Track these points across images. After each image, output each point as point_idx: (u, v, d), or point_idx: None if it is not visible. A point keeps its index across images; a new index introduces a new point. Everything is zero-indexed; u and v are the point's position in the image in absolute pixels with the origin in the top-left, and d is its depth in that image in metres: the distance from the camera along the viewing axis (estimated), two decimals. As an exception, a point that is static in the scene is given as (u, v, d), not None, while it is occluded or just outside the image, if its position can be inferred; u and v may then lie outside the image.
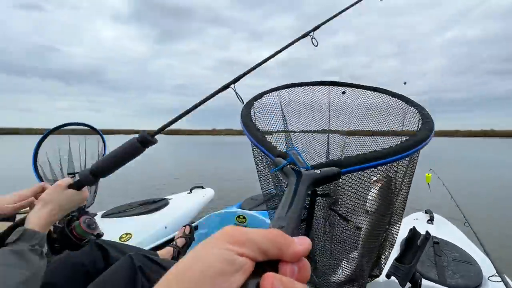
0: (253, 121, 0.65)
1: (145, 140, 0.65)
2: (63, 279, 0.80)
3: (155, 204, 2.18)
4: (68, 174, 2.21)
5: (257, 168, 0.72)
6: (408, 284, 0.73)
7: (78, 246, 0.74)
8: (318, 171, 0.38)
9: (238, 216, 1.67)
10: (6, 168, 8.11)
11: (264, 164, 0.68)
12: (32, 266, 0.55)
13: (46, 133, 2.11)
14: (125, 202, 2.35)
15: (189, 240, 1.49)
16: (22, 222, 0.63)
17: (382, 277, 0.74)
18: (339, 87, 0.84)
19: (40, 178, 2.01)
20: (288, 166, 0.39)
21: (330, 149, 0.92)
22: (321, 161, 0.82)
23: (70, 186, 0.66)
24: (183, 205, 2.26)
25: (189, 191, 2.58)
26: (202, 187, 2.70)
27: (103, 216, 1.97)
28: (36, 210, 0.63)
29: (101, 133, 2.25)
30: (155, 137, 0.69)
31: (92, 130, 2.23)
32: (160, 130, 0.69)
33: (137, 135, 0.66)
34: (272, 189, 0.73)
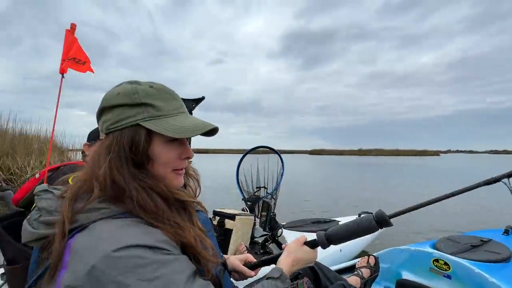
0: None
1: (382, 220, 0.65)
2: None
3: (326, 224, 2.24)
4: (256, 187, 2.74)
5: None
6: None
7: None
8: None
9: (436, 260, 1.30)
10: (210, 176, 11.30)
11: None
12: None
13: (244, 155, 2.75)
14: (294, 215, 2.57)
15: (375, 272, 1.35)
16: (273, 260, 0.76)
17: None
18: None
19: (241, 189, 2.62)
20: None
21: None
22: None
23: (305, 243, 0.73)
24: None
25: (358, 215, 2.48)
26: (372, 213, 2.51)
27: (285, 227, 2.24)
28: (283, 257, 0.71)
29: (280, 155, 2.66)
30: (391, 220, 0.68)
31: (273, 152, 2.69)
32: (398, 214, 0.67)
33: (373, 213, 0.66)
34: None
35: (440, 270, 1.33)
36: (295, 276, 0.84)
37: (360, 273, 1.31)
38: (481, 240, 1.50)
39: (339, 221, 2.35)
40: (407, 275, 1.42)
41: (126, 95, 0.51)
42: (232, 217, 1.79)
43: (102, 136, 0.54)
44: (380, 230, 2.35)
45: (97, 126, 0.56)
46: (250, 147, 2.79)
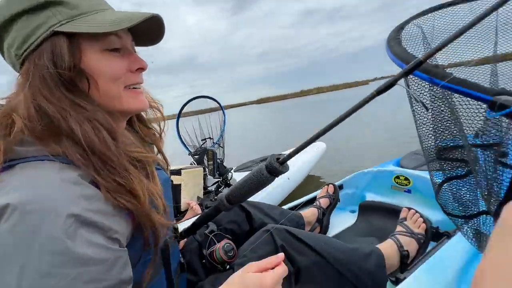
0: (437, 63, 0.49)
1: (273, 170, 0.58)
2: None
3: (273, 159, 2.36)
4: (202, 139, 2.68)
5: (416, 115, 0.57)
6: None
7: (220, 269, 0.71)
8: None
9: (397, 177, 1.31)
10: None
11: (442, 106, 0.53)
12: None
13: (180, 111, 2.57)
14: (247, 159, 2.65)
15: (334, 200, 1.28)
16: (195, 228, 0.73)
17: None
18: None
19: (185, 145, 2.53)
20: None
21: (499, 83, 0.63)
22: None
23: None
24: (299, 159, 2.36)
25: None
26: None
27: (235, 170, 2.29)
28: None
29: (218, 101, 2.58)
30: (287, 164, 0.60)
31: (214, 102, 2.59)
32: (288, 158, 0.58)
33: (265, 163, 0.59)
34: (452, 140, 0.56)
35: (400, 186, 1.32)
36: (209, 242, 0.75)
37: (318, 203, 1.26)
38: None
39: (285, 154, 2.49)
40: (370, 196, 1.41)
41: None
42: (177, 172, 1.74)
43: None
44: (319, 151, 2.53)
45: None
46: (196, 108, 2.67)
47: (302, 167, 2.27)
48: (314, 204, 1.28)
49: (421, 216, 1.00)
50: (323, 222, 1.22)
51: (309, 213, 1.20)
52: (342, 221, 1.35)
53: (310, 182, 2.45)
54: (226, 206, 0.65)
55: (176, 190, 1.71)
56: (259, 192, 1.95)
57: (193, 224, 0.77)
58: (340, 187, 1.46)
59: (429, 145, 0.63)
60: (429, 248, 0.90)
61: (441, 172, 0.64)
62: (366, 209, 1.34)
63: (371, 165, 1.61)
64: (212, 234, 0.82)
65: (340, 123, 0.53)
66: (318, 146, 2.61)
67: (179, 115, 2.50)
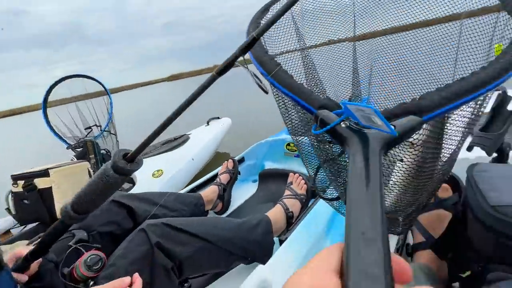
0: (267, 51, 0.44)
1: (120, 170, 0.47)
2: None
3: (176, 141, 2.20)
4: (85, 128, 2.23)
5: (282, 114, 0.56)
6: (494, 155, 0.63)
7: None
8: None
9: (288, 144, 1.45)
10: (32, 141, 8.52)
11: (289, 107, 0.52)
12: None
13: (48, 91, 2.01)
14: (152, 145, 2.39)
15: (234, 174, 1.31)
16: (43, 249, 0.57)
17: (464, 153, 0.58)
18: None
19: (61, 137, 2.03)
20: (342, 125, 0.29)
21: (358, 66, 0.67)
22: (347, 87, 0.62)
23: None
24: (204, 137, 2.27)
25: (206, 124, 2.57)
26: (218, 118, 2.66)
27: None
28: None
29: (100, 81, 2.14)
30: (139, 159, 0.49)
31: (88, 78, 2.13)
32: (138, 152, 0.49)
33: (110, 162, 0.48)
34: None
35: (291, 152, 1.44)
36: (75, 253, 0.66)
37: (219, 180, 1.27)
38: None
39: (190, 134, 2.36)
40: (268, 165, 1.50)
41: None
42: (44, 173, 1.37)
43: None
44: (225, 127, 2.49)
45: None
46: (90, 89, 2.18)
47: (207, 145, 2.19)
48: (215, 181, 1.27)
49: (303, 178, 1.10)
50: (224, 197, 1.23)
51: (209, 192, 1.19)
52: (245, 191, 1.40)
53: (219, 159, 2.42)
54: (73, 217, 0.53)
55: (44, 196, 1.37)
56: (159, 179, 1.75)
57: (40, 242, 0.61)
58: (243, 159, 1.50)
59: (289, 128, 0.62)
60: (310, 205, 0.99)
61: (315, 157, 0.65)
62: (265, 177, 1.42)
63: (270, 135, 1.68)
64: (73, 247, 0.69)
65: (187, 107, 0.48)
66: (224, 122, 2.57)
67: (45, 102, 1.98)
